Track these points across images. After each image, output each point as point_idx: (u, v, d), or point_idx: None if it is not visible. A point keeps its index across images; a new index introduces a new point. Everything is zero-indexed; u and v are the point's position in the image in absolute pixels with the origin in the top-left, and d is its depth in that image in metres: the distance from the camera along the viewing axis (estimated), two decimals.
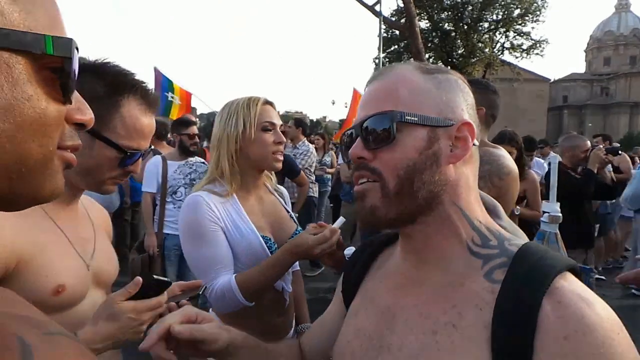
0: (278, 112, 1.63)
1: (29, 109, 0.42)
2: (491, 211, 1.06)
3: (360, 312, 0.84)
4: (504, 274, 0.66)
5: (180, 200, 3.40)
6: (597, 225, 5.59)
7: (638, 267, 1.98)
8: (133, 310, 1.00)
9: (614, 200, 5.89)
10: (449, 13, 28.19)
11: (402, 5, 17.44)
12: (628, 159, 5.98)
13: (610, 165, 4.87)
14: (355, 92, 7.78)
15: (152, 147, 4.79)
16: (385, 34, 25.05)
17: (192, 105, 6.47)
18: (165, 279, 1.06)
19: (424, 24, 27.31)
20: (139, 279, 1.03)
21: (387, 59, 26.54)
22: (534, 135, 6.88)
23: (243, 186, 1.57)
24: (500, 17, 27.57)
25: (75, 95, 0.51)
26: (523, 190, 3.47)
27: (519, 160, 3.41)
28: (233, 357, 0.93)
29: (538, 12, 26.84)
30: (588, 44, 77.61)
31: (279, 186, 1.82)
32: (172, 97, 5.96)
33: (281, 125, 1.60)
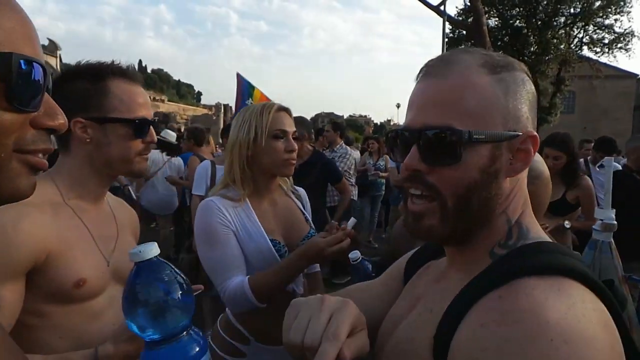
0: (301, 118, 1.66)
1: None
2: None
3: (399, 301, 0.88)
4: None
5: None
6: None
7: None
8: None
9: None
10: (521, 9, 26.75)
11: (469, 3, 16.92)
12: None
13: None
14: None
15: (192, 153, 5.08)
16: (451, 34, 24.30)
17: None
18: None
19: (493, 21, 26.14)
20: None
21: None
22: (616, 136, 6.27)
23: (255, 191, 1.60)
24: (578, 10, 25.71)
25: (46, 102, 0.55)
26: (575, 197, 3.23)
27: (569, 166, 3.18)
28: None
29: (622, 3, 24.68)
30: None
31: (296, 188, 1.84)
32: (250, 104, 6.15)
33: (294, 132, 1.61)
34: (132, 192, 5.48)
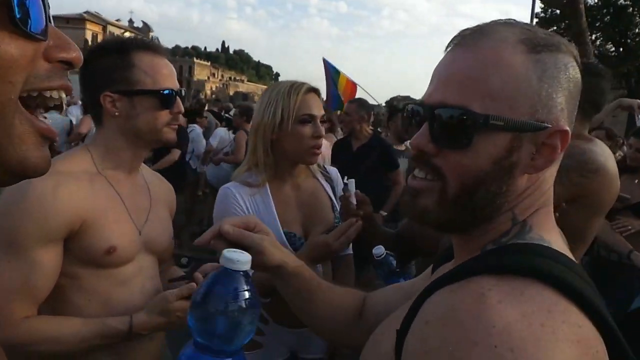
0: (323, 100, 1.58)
1: None
2: None
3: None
4: None
5: None
6: None
7: None
8: (182, 310, 1.13)
9: None
10: None
11: None
12: None
13: None
14: None
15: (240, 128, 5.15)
16: (542, 13, 22.46)
17: (357, 96, 6.29)
18: None
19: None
20: (194, 285, 1.16)
21: None
22: None
23: (278, 175, 1.54)
24: None
25: (53, 32, 0.45)
26: None
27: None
28: (283, 281, 0.95)
29: None
30: None
31: (329, 168, 1.75)
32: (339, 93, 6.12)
33: (323, 115, 1.53)
34: (193, 164, 5.77)
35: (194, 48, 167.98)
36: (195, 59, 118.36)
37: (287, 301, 0.98)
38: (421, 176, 0.64)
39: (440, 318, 0.51)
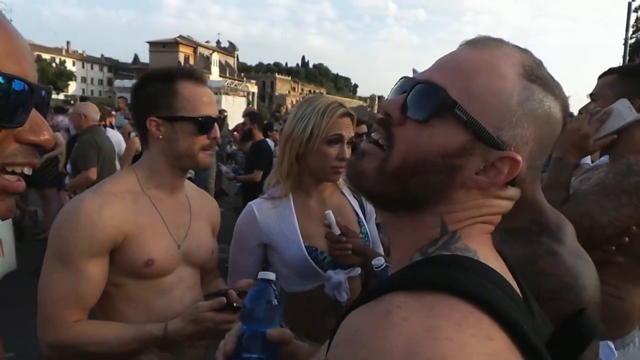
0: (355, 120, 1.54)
1: None
2: (553, 232, 0.97)
3: None
4: None
5: None
6: None
7: None
8: (211, 320, 1.23)
9: None
10: None
11: None
12: None
13: None
14: None
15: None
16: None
17: None
18: (239, 305, 1.28)
19: None
20: (223, 299, 1.26)
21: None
22: None
23: (302, 188, 1.56)
24: None
25: (33, 118, 0.56)
26: None
27: None
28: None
29: None
30: None
31: None
32: None
33: (351, 137, 1.52)
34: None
35: (276, 64, 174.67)
36: (277, 75, 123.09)
37: None
38: (375, 138, 0.64)
39: (345, 340, 0.51)
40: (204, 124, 1.32)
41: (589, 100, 1.64)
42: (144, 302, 1.32)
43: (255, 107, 37.86)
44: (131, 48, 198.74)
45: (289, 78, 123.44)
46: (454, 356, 0.44)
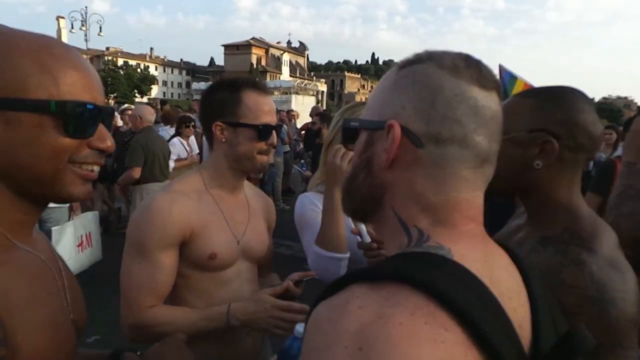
0: None
1: (44, 145, 0.70)
2: (585, 240, 0.91)
3: None
4: None
5: None
6: None
7: None
8: (271, 301, 1.34)
9: None
10: None
11: None
12: None
13: None
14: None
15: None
16: None
17: None
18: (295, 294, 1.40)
19: None
20: (285, 285, 1.38)
21: None
22: None
23: None
24: None
25: (100, 130, 0.76)
26: None
27: None
28: None
29: None
30: None
31: None
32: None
33: None
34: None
35: (345, 62, 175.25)
36: (346, 73, 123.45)
37: None
38: None
39: (309, 328, 0.54)
40: (263, 131, 1.42)
41: None
42: (206, 292, 1.43)
43: (325, 105, 38.31)
44: (207, 51, 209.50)
45: (359, 76, 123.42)
46: (401, 338, 0.46)
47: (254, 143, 1.42)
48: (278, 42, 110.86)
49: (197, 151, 6.08)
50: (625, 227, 1.27)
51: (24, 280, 0.72)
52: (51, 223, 3.85)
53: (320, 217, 1.52)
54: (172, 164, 5.12)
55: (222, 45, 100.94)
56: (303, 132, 10.59)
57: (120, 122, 7.22)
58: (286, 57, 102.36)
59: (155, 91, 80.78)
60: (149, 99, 60.91)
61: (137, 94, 64.34)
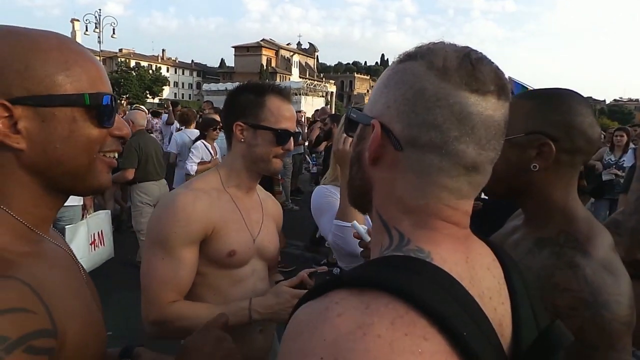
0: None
1: (80, 137, 0.72)
2: (580, 243, 0.92)
3: None
4: None
5: None
6: None
7: None
8: (291, 292, 1.38)
9: None
10: None
11: None
12: None
13: None
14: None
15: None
16: None
17: None
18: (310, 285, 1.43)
19: None
20: (302, 275, 1.42)
21: None
22: None
23: None
24: None
25: (117, 119, 0.78)
26: None
27: None
28: None
29: None
30: None
31: None
32: None
33: None
34: None
35: (355, 63, 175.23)
36: (355, 74, 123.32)
37: None
38: None
39: (288, 333, 0.53)
40: (282, 136, 1.45)
41: None
42: (223, 290, 1.45)
43: (333, 106, 38.26)
44: (218, 53, 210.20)
45: (368, 77, 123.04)
46: (379, 352, 0.46)
47: (271, 146, 1.45)
48: (288, 44, 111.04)
49: (222, 154, 6.13)
50: None
51: (60, 271, 0.74)
52: (64, 222, 3.91)
53: (337, 203, 1.65)
54: (194, 167, 5.16)
55: (233, 47, 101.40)
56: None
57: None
58: (296, 59, 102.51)
59: (166, 92, 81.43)
60: (160, 99, 61.46)
61: (148, 95, 64.89)
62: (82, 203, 4.16)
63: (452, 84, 0.57)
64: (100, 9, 29.93)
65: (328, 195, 1.79)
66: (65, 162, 0.72)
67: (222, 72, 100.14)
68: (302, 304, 0.55)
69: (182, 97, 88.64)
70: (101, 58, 39.75)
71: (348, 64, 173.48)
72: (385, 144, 0.61)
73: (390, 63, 0.71)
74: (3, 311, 0.57)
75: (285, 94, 1.50)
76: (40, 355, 0.59)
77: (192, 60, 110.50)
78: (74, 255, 0.86)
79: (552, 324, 0.63)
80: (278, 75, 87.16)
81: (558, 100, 0.99)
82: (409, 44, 0.64)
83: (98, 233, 4.08)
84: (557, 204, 0.99)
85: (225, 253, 1.41)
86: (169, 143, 7.85)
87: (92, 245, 3.94)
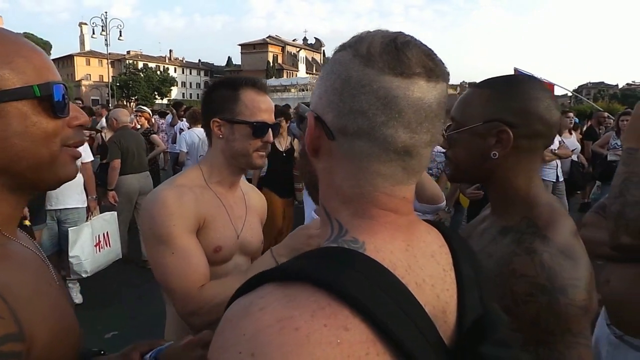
0: None
1: (37, 130, 0.71)
2: (540, 228, 0.92)
3: None
4: None
5: None
6: None
7: None
8: (306, 227, 1.38)
9: None
10: None
11: None
12: None
13: None
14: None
15: None
16: None
17: (556, 93, 6.04)
18: None
19: None
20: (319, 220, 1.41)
21: None
22: None
23: None
24: None
25: (72, 108, 0.76)
26: None
27: None
28: None
29: None
30: None
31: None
32: None
33: None
34: None
35: None
36: None
37: None
38: None
39: (219, 324, 0.53)
40: (259, 129, 1.45)
41: None
42: None
43: None
44: (225, 51, 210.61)
45: None
46: (295, 345, 0.46)
47: (249, 140, 1.44)
48: (294, 40, 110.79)
49: None
50: (632, 215, 1.25)
51: (27, 273, 0.73)
52: (69, 224, 3.97)
53: None
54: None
55: (239, 45, 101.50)
56: None
57: (138, 125, 7.36)
58: (302, 54, 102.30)
59: (174, 92, 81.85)
60: (169, 100, 61.76)
61: (157, 96, 65.33)
62: (86, 205, 4.22)
63: (376, 69, 0.57)
64: (106, 12, 30.17)
65: None
66: (26, 157, 0.70)
67: (229, 71, 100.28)
68: (234, 300, 0.55)
69: (191, 97, 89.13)
70: (109, 60, 40.08)
71: None
72: (321, 134, 0.62)
73: None
74: None
75: (260, 86, 1.49)
76: None
77: (199, 60, 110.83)
78: (44, 256, 0.86)
79: (488, 308, 0.62)
80: (285, 71, 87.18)
81: (514, 87, 0.98)
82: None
83: (103, 234, 4.13)
84: (520, 191, 1.00)
85: (211, 249, 1.41)
86: (172, 143, 7.88)
87: (97, 247, 3.98)
